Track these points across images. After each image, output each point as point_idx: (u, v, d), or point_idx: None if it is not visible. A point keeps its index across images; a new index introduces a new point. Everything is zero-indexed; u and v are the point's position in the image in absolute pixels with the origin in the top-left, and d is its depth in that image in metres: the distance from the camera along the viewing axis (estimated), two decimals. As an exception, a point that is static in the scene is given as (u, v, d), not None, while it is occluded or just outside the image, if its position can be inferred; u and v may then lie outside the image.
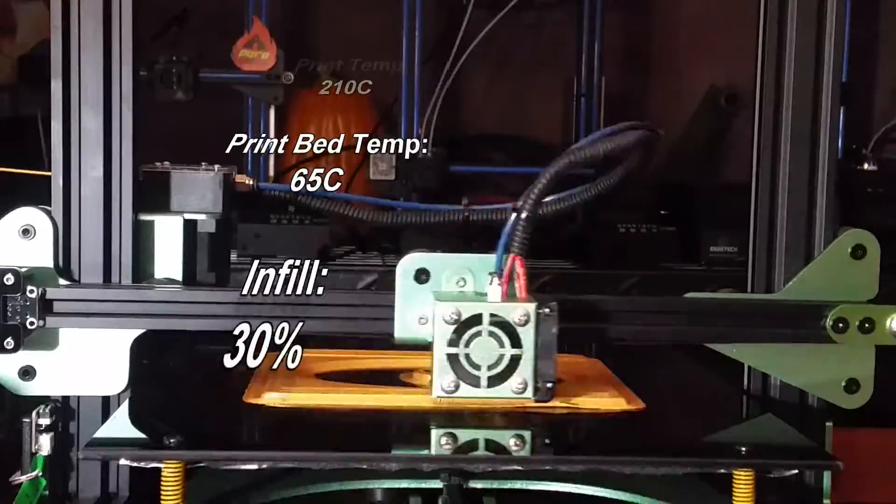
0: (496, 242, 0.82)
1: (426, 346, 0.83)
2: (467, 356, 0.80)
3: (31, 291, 0.83)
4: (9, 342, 0.83)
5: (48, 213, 0.88)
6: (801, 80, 0.93)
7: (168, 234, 0.93)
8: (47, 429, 0.87)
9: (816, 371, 0.91)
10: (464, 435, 0.83)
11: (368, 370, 0.98)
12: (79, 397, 0.90)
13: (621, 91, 2.45)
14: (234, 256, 1.68)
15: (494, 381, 0.80)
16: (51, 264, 0.87)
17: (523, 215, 0.81)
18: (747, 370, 0.96)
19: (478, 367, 0.80)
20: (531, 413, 0.85)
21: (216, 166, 0.95)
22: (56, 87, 0.88)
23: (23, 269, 0.84)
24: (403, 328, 0.85)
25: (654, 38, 2.59)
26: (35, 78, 2.00)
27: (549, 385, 0.80)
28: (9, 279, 0.83)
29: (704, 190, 2.18)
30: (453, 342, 0.80)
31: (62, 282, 0.87)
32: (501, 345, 0.79)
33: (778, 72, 0.93)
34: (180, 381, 1.04)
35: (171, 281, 0.92)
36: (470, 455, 0.80)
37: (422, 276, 0.85)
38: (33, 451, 0.87)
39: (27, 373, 0.87)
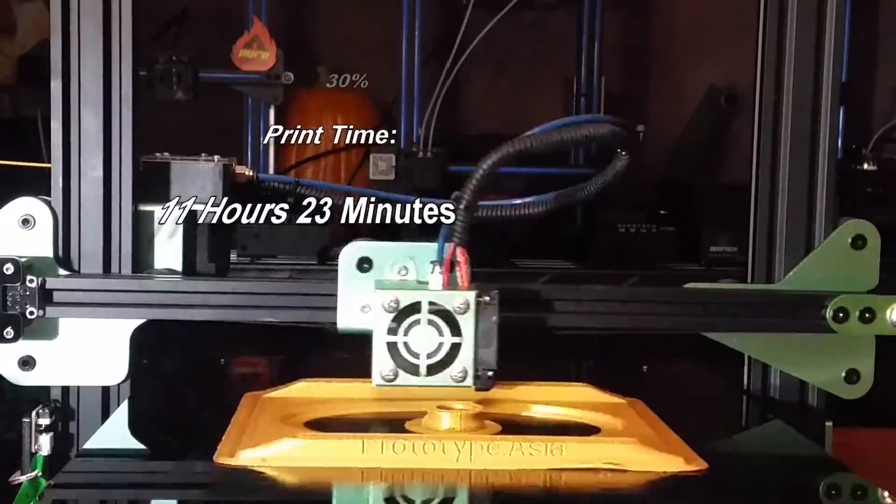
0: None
1: (368, 336, 0.80)
2: (406, 344, 0.79)
3: (31, 281, 0.84)
4: (8, 332, 0.83)
5: (48, 203, 0.88)
6: (800, 80, 0.93)
7: (168, 225, 0.92)
8: (47, 429, 0.87)
9: (816, 362, 0.92)
10: (487, 503, 0.71)
11: (368, 417, 0.84)
12: (78, 397, 0.90)
13: (621, 91, 2.45)
14: (233, 256, 1.68)
15: (434, 369, 0.78)
16: (50, 254, 0.87)
17: (462, 204, 0.80)
18: (747, 370, 0.96)
19: (417, 356, 0.79)
20: (566, 473, 0.72)
21: (216, 157, 0.95)
22: (56, 86, 0.88)
23: (22, 259, 0.84)
24: (346, 317, 0.84)
25: (653, 39, 2.59)
26: (35, 78, 2.00)
27: (490, 373, 0.79)
28: (8, 269, 0.83)
29: (704, 190, 2.18)
30: (392, 330, 0.78)
31: (62, 272, 0.87)
32: (441, 333, 0.78)
33: (778, 72, 0.94)
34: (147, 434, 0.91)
35: (171, 271, 0.92)
36: None
37: (364, 264, 0.84)
38: (33, 451, 0.87)
39: (27, 363, 0.87)
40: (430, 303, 0.78)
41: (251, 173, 1.02)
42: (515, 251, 1.97)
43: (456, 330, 0.78)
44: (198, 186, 0.94)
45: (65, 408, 0.90)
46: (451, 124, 2.35)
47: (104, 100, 0.88)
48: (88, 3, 0.88)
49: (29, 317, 0.84)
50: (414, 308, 0.78)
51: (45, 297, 0.84)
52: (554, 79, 2.44)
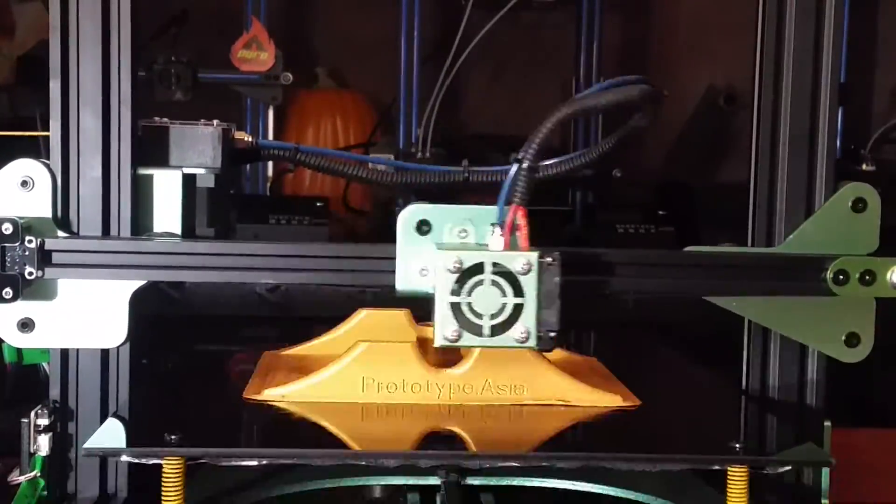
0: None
1: (428, 298, 0.82)
2: (469, 305, 0.79)
3: (30, 241, 0.83)
4: (7, 292, 0.83)
5: (47, 165, 0.88)
6: (799, 80, 0.93)
7: (167, 189, 0.92)
8: (46, 429, 0.87)
9: (817, 325, 0.92)
10: (463, 431, 0.84)
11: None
12: (77, 397, 0.90)
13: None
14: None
15: (497, 329, 0.79)
16: (49, 216, 0.87)
17: (524, 165, 0.80)
18: (746, 369, 0.96)
19: (480, 316, 0.79)
20: (528, 409, 0.88)
21: (215, 121, 0.95)
22: (55, 87, 0.88)
23: (21, 220, 0.84)
24: (405, 280, 0.84)
25: (652, 39, 2.59)
26: (34, 78, 2.00)
27: (552, 334, 0.80)
28: (7, 228, 0.83)
29: (703, 190, 2.18)
30: (455, 291, 0.79)
31: (61, 234, 0.87)
32: (504, 294, 0.79)
33: (777, 72, 0.94)
34: (180, 379, 1.05)
35: (170, 235, 0.92)
36: (468, 452, 0.80)
37: (423, 227, 0.84)
38: (32, 451, 0.87)
39: (26, 325, 0.87)
40: (494, 263, 0.79)
41: (251, 139, 1.02)
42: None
43: (519, 291, 0.79)
44: (197, 151, 0.94)
45: (64, 408, 0.90)
46: (451, 125, 2.35)
47: (103, 100, 0.88)
48: (87, 3, 0.88)
49: (28, 277, 0.83)
50: (477, 269, 0.79)
51: (44, 257, 0.84)
52: (553, 79, 2.44)
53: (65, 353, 0.90)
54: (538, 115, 0.83)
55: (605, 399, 0.90)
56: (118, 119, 0.89)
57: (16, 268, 0.83)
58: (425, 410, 0.87)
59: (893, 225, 0.94)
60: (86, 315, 0.87)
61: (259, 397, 0.89)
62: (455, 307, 0.79)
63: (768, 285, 0.91)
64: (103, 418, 0.90)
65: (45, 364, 0.94)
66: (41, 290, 0.86)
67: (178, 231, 0.92)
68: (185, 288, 1.57)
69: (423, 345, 0.93)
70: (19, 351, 0.96)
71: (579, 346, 1.08)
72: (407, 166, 1.02)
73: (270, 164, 2.24)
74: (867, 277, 0.90)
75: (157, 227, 0.92)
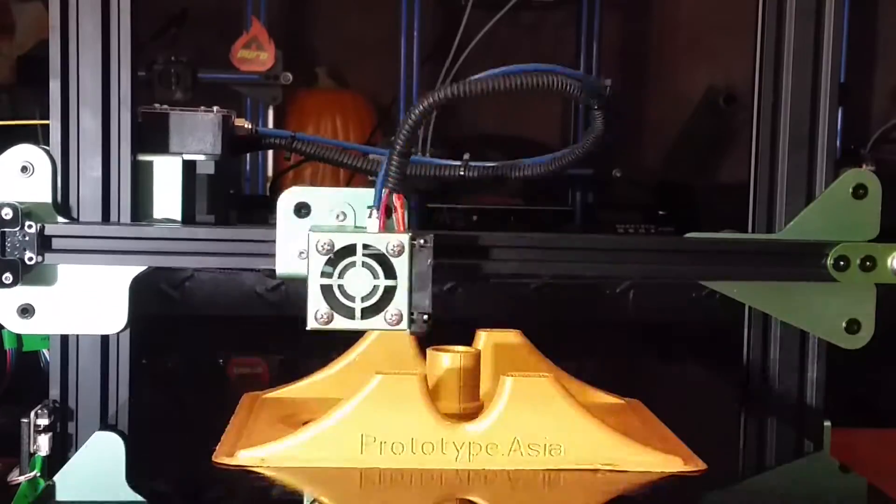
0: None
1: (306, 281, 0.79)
2: (341, 287, 0.78)
3: (30, 227, 0.83)
4: (7, 277, 0.83)
5: (47, 151, 0.87)
6: (799, 80, 0.93)
7: (167, 175, 0.92)
8: (45, 429, 0.87)
9: (817, 311, 0.91)
10: (485, 503, 0.71)
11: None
12: (77, 397, 0.90)
13: (620, 91, 2.45)
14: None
15: (369, 312, 0.78)
16: (49, 201, 0.87)
17: (396, 150, 0.80)
18: (746, 370, 0.96)
19: (352, 299, 0.78)
20: (567, 475, 0.73)
21: (215, 108, 0.95)
22: (55, 87, 0.88)
23: (21, 205, 0.84)
24: (284, 263, 0.85)
25: (652, 39, 2.59)
26: (34, 78, 2.00)
27: (425, 317, 0.79)
28: (7, 213, 0.83)
29: (703, 190, 2.18)
30: (327, 273, 0.78)
31: (60, 219, 0.87)
32: (376, 276, 0.78)
33: (776, 72, 0.94)
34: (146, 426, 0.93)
35: (171, 222, 0.92)
36: None
37: (302, 209, 0.84)
38: (32, 451, 0.87)
39: (26, 311, 0.86)
40: (365, 245, 0.78)
41: (250, 126, 1.02)
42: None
43: (391, 273, 0.78)
44: (197, 138, 0.94)
45: (63, 408, 0.90)
46: (450, 125, 2.35)
47: (103, 100, 0.88)
48: (87, 3, 0.88)
49: (28, 262, 0.83)
50: (349, 251, 0.78)
51: (43, 243, 0.84)
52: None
53: (65, 351, 0.90)
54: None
55: (662, 462, 0.74)
56: (118, 119, 0.89)
57: (16, 253, 0.83)
58: (439, 477, 0.73)
59: (894, 225, 0.94)
60: (86, 301, 0.87)
61: (232, 461, 0.73)
62: (326, 289, 0.78)
63: (769, 271, 0.90)
64: (103, 418, 0.90)
65: (45, 351, 0.94)
66: (41, 276, 0.86)
67: (179, 218, 0.92)
68: (185, 288, 1.57)
69: (436, 390, 0.78)
70: (19, 337, 0.96)
71: (613, 385, 0.92)
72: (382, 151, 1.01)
73: (270, 164, 2.25)
74: (868, 263, 0.89)
75: (157, 213, 0.92)
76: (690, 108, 2.53)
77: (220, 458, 0.74)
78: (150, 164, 0.92)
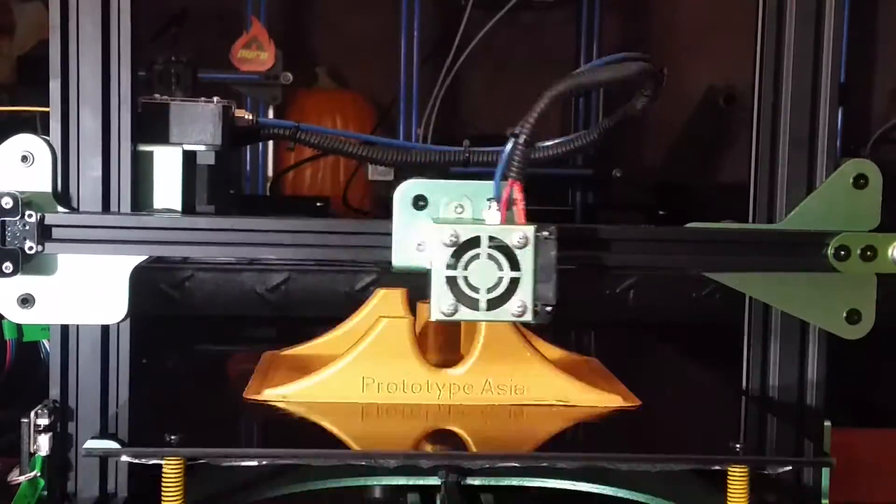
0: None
1: (424, 273, 0.81)
2: (466, 279, 0.79)
3: (30, 216, 0.83)
4: (7, 266, 0.82)
5: (47, 141, 0.87)
6: (799, 81, 0.93)
7: (167, 165, 0.92)
8: (46, 429, 0.87)
9: (818, 301, 0.91)
10: (463, 431, 0.84)
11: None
12: (77, 397, 0.90)
13: (620, 91, 2.45)
14: (232, 257, 1.68)
15: (493, 303, 0.79)
16: (49, 191, 0.87)
17: (521, 140, 0.80)
18: (746, 369, 0.96)
19: (476, 290, 0.79)
20: (528, 409, 0.88)
21: (215, 98, 0.95)
22: (55, 87, 0.88)
23: (21, 194, 0.83)
24: (401, 255, 0.84)
25: (652, 39, 2.59)
26: (34, 78, 2.00)
27: (549, 308, 0.79)
28: (7, 202, 0.83)
29: (703, 190, 2.18)
30: (452, 265, 0.78)
31: (61, 209, 0.86)
32: (500, 268, 0.78)
33: (776, 72, 0.94)
34: (179, 380, 1.05)
35: (171, 212, 0.92)
36: (468, 452, 0.81)
37: (419, 202, 0.84)
38: (32, 451, 0.87)
39: (26, 301, 0.86)
40: (490, 237, 0.78)
41: (251, 117, 1.02)
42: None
43: (515, 265, 0.78)
44: (197, 128, 0.93)
45: (63, 408, 0.90)
46: (450, 125, 2.35)
47: (103, 100, 0.88)
48: (87, 3, 0.88)
49: (28, 252, 0.83)
50: (473, 242, 0.78)
51: (43, 232, 0.84)
52: (553, 79, 2.44)
53: (65, 342, 0.90)
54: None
55: (605, 399, 0.89)
56: (118, 119, 0.89)
57: (16, 242, 0.83)
58: (425, 410, 0.87)
59: (894, 224, 0.94)
60: (86, 291, 0.86)
61: (259, 397, 0.89)
62: (451, 281, 0.78)
63: (769, 261, 0.90)
64: (103, 418, 0.90)
65: (45, 342, 0.94)
66: (41, 266, 0.86)
67: (179, 208, 0.91)
68: (185, 288, 1.57)
69: (423, 343, 0.93)
70: (19, 327, 0.96)
71: (580, 347, 1.08)
72: (408, 145, 1.02)
73: (271, 164, 2.25)
74: (868, 253, 0.89)
75: (158, 204, 0.91)
76: (690, 108, 2.53)
77: (250, 395, 0.89)
78: (151, 154, 0.92)
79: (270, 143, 2.19)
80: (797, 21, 0.93)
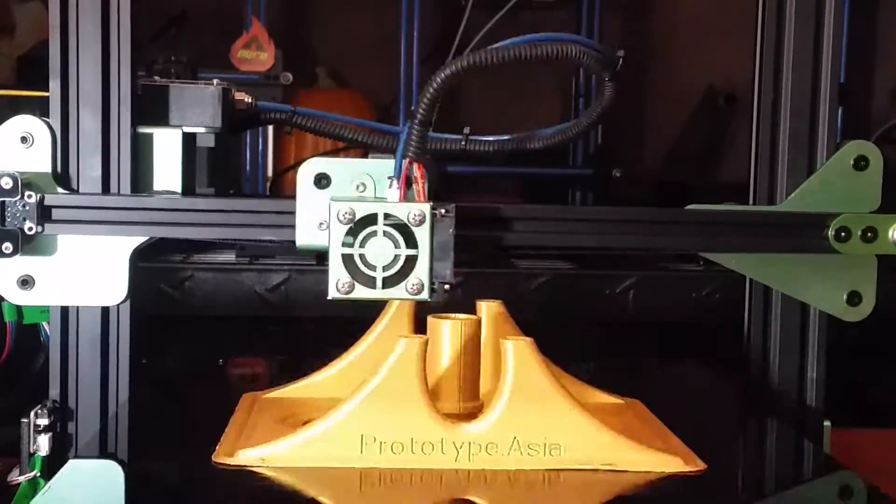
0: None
1: (326, 253, 0.80)
2: (362, 256, 0.78)
3: (30, 196, 0.83)
4: (7, 247, 0.82)
5: (46, 122, 0.87)
6: (799, 80, 0.93)
7: (167, 147, 0.92)
8: (45, 429, 0.87)
9: (818, 283, 0.91)
10: None
11: None
12: (77, 397, 0.90)
13: (620, 91, 2.45)
14: (232, 257, 1.68)
15: (390, 281, 0.78)
16: (49, 172, 0.87)
17: (417, 119, 0.79)
18: (746, 368, 0.96)
19: (373, 268, 0.78)
20: (567, 475, 0.73)
21: (215, 80, 0.95)
22: (54, 87, 0.88)
23: (21, 175, 0.83)
24: (304, 234, 0.84)
25: (652, 39, 2.59)
26: (34, 78, 2.00)
27: (447, 287, 0.79)
28: (7, 183, 0.83)
29: (703, 190, 2.18)
30: (348, 243, 0.78)
31: (60, 190, 0.86)
32: (397, 245, 0.78)
33: (776, 72, 0.94)
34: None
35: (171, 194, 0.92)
36: None
37: (322, 180, 0.84)
38: (32, 451, 0.87)
39: (26, 282, 0.86)
40: (386, 214, 0.78)
41: (250, 100, 1.02)
42: (515, 251, 1.97)
43: (412, 242, 0.78)
44: (197, 110, 0.93)
45: (63, 408, 0.90)
46: (450, 125, 2.35)
47: (103, 100, 0.88)
48: (87, 3, 0.88)
49: (28, 232, 0.83)
50: (370, 220, 0.78)
51: (43, 213, 0.84)
52: (552, 79, 2.44)
53: (65, 325, 0.90)
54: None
55: (661, 462, 0.73)
56: (118, 119, 0.89)
57: (15, 223, 0.83)
58: (439, 477, 0.72)
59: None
60: (86, 272, 0.86)
61: (231, 461, 0.73)
62: (347, 259, 0.78)
63: (769, 242, 0.90)
64: (103, 418, 0.90)
65: (45, 324, 0.94)
66: (41, 247, 0.86)
67: (179, 190, 0.91)
68: (185, 288, 1.57)
69: (437, 391, 0.78)
70: (20, 310, 0.95)
71: (602, 378, 0.92)
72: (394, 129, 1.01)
73: (271, 164, 2.24)
74: (869, 235, 0.89)
75: (158, 186, 0.91)
76: (690, 107, 2.53)
77: (220, 457, 0.74)
78: (151, 136, 0.91)
79: (270, 143, 2.19)
80: (797, 20, 0.93)
